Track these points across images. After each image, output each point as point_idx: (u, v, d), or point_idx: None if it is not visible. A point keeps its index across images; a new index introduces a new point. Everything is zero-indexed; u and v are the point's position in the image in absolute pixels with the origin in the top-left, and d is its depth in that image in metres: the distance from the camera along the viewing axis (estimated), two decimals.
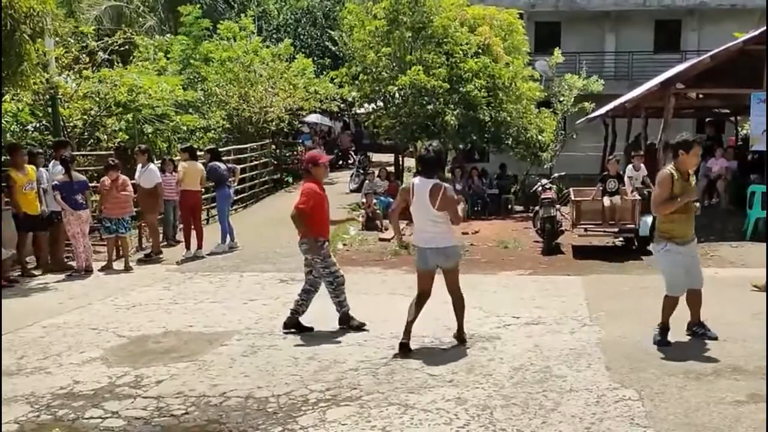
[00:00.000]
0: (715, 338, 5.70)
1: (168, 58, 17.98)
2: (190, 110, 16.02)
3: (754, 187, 11.43)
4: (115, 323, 6.77)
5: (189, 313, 7.14)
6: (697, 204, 5.90)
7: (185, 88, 16.06)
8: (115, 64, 14.78)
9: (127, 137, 12.66)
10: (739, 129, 16.85)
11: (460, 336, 5.89)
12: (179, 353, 5.79)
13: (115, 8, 22.62)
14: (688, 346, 5.63)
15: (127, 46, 15.03)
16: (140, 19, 23.21)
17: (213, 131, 16.67)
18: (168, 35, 20.64)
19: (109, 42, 14.08)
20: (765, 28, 11.28)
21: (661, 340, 5.64)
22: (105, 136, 13.05)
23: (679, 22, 22.53)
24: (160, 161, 11.69)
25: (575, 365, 5.24)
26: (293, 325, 6.33)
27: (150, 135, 13.12)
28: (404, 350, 5.57)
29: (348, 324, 6.35)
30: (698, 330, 5.84)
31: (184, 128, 14.54)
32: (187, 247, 10.60)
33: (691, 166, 5.70)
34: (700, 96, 14.24)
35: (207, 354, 5.75)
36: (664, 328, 5.69)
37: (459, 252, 6.06)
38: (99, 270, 9.45)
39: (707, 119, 16.91)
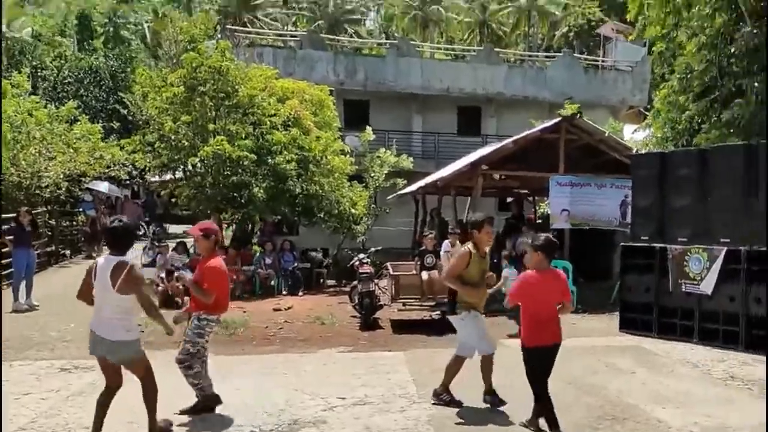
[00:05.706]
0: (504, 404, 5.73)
1: None
2: None
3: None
4: None
5: None
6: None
7: None
8: None
9: None
10: (537, 207, 18.23)
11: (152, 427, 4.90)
12: None
13: None
14: (516, 413, 5.47)
15: None
16: None
17: None
18: None
19: None
20: (558, 119, 12.38)
21: (451, 400, 5.87)
22: None
23: (479, 109, 24.58)
24: None
25: None
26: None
27: None
28: None
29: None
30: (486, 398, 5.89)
31: None
32: None
33: (485, 243, 5.93)
34: (503, 177, 15.23)
35: None
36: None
37: (134, 349, 4.82)
38: None
39: (508, 199, 18.09)
